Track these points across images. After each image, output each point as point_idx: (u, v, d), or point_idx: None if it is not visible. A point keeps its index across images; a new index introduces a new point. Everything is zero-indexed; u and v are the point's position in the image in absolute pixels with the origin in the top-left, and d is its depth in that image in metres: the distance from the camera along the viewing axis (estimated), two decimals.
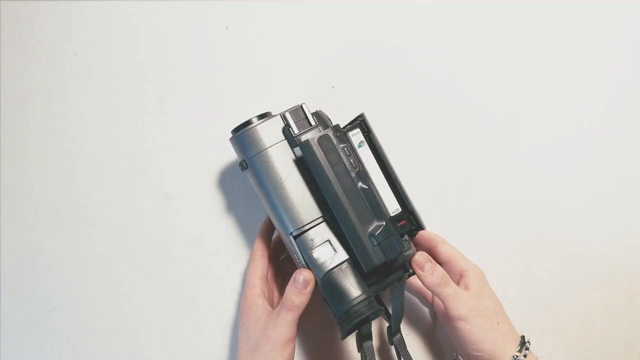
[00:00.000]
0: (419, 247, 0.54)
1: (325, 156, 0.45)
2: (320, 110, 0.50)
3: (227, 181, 0.58)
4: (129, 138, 0.59)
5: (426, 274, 0.48)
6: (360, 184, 0.46)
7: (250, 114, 0.49)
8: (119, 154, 0.59)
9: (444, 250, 0.53)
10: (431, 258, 0.49)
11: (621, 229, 0.58)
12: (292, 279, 0.46)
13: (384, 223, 0.45)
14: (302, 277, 0.46)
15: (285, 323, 0.46)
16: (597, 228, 0.58)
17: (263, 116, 0.48)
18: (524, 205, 0.58)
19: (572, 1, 0.59)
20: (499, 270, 0.57)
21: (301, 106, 0.48)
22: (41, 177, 0.59)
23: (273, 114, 0.49)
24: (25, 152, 0.60)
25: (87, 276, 0.58)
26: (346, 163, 0.46)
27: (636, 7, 0.59)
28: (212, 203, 0.58)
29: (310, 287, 0.46)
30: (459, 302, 0.48)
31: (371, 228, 0.45)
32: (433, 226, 0.54)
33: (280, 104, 0.50)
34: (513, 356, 0.48)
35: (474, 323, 0.48)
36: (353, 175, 0.46)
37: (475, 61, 0.59)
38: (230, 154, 0.55)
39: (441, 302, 0.49)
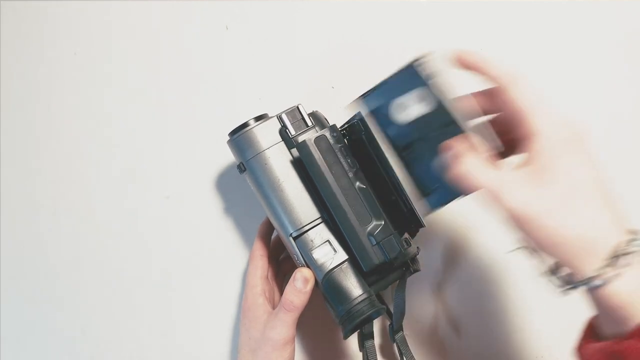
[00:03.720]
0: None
1: (322, 157, 0.44)
2: (316, 111, 0.49)
3: (226, 181, 0.58)
4: (128, 138, 0.59)
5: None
6: (358, 183, 0.45)
7: (251, 113, 0.49)
8: (119, 154, 0.59)
9: (514, 97, 0.37)
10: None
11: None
12: (291, 278, 0.46)
13: (383, 222, 0.45)
14: (302, 276, 0.46)
15: (283, 324, 0.46)
16: None
17: (260, 118, 0.48)
18: None
19: (573, 1, 0.59)
20: (500, 268, 0.56)
21: (297, 107, 0.48)
22: (41, 177, 0.59)
23: (270, 115, 0.48)
24: (25, 152, 0.60)
25: (87, 276, 0.58)
26: (343, 163, 0.45)
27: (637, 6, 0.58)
28: (212, 204, 0.58)
29: (309, 286, 0.46)
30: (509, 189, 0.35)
31: (370, 227, 0.45)
32: (433, 224, 0.54)
33: (280, 104, 0.49)
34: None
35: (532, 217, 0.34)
36: (351, 175, 0.45)
37: None
38: (229, 154, 0.54)
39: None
